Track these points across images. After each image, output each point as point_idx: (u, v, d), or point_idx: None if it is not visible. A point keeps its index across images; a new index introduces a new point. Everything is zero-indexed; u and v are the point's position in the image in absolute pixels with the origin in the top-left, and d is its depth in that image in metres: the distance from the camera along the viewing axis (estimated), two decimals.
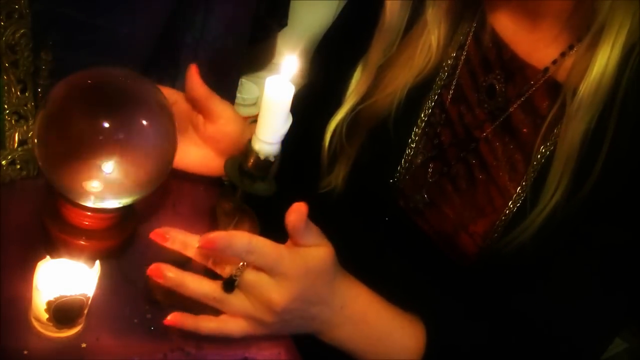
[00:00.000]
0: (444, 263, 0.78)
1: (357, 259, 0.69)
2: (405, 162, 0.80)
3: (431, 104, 0.79)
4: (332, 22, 0.93)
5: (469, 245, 0.75)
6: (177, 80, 0.96)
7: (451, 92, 0.78)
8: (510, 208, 0.73)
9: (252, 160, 0.66)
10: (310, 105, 0.84)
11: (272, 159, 0.66)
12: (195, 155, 0.81)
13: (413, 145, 0.79)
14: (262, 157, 0.66)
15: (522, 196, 0.72)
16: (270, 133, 0.65)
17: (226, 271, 0.62)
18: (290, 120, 0.65)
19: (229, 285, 0.62)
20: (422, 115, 0.79)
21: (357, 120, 0.81)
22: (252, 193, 0.68)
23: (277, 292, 0.62)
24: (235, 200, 0.70)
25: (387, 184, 0.80)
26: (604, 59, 0.66)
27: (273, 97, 0.63)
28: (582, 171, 0.68)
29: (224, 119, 0.78)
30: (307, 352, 0.71)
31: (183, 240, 0.64)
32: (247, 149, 0.67)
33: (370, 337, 0.70)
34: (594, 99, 0.66)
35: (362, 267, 0.70)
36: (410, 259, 0.81)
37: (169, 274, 0.62)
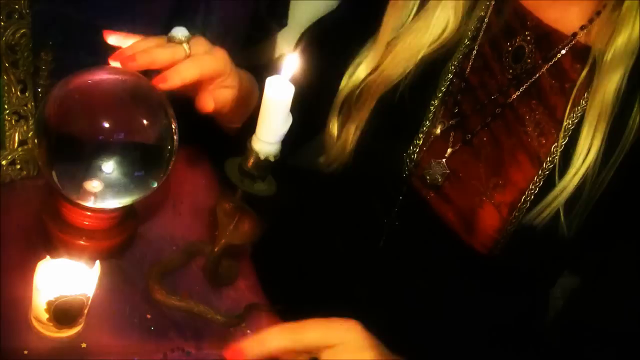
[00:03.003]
0: (460, 252, 0.76)
1: (362, 247, 0.67)
2: (421, 133, 0.78)
3: (449, 75, 0.78)
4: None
5: (492, 219, 0.73)
6: None
7: (471, 61, 0.77)
8: (540, 176, 0.71)
9: (252, 160, 0.66)
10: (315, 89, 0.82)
11: (272, 159, 0.66)
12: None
13: (430, 116, 0.78)
14: (262, 157, 0.66)
15: (553, 163, 0.71)
16: (270, 133, 0.65)
17: None
18: (290, 120, 0.65)
19: None
20: (441, 86, 0.78)
21: (367, 90, 0.79)
22: (252, 193, 0.68)
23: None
24: (235, 200, 0.70)
25: (400, 157, 0.78)
26: (631, 20, 0.66)
27: (273, 97, 0.63)
28: (614, 133, 0.68)
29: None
30: None
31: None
32: (247, 149, 0.67)
33: None
34: (622, 58, 0.67)
35: (367, 257, 0.69)
36: (423, 249, 0.80)
37: None
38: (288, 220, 0.91)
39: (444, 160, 0.76)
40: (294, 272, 0.87)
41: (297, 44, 0.93)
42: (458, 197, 0.75)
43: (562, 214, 0.70)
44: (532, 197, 0.72)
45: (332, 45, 0.85)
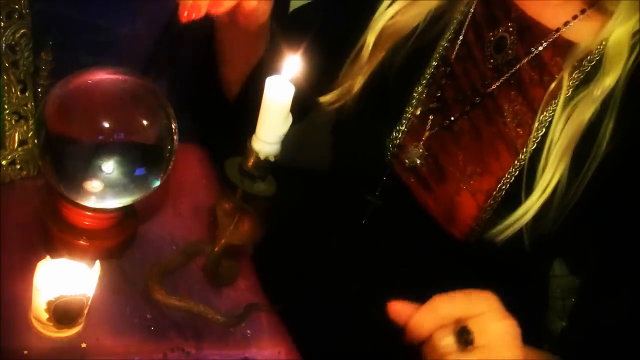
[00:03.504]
0: (440, 238, 0.76)
1: (345, 233, 0.66)
2: (404, 119, 0.78)
3: (434, 62, 0.78)
4: None
5: (469, 207, 0.74)
6: (176, 80, 0.96)
7: (457, 48, 0.77)
8: (516, 165, 0.72)
9: (252, 160, 0.66)
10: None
11: (272, 159, 0.66)
12: None
13: (414, 102, 0.78)
14: (262, 157, 0.66)
15: (530, 153, 0.71)
16: (270, 133, 0.65)
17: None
18: (290, 120, 0.65)
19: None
20: (426, 72, 0.78)
21: (382, 36, 0.78)
22: (252, 193, 0.68)
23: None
24: (235, 200, 0.70)
25: (383, 142, 0.79)
26: (617, 21, 0.68)
27: (273, 97, 0.63)
28: (594, 123, 0.68)
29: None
30: (307, 352, 0.71)
31: None
32: (247, 149, 0.67)
33: None
34: (610, 62, 0.68)
35: (350, 243, 0.69)
36: (406, 235, 0.80)
37: None
38: (287, 220, 0.91)
39: (421, 143, 0.77)
40: (294, 272, 0.87)
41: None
42: (437, 184, 0.76)
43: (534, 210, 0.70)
44: (508, 185, 0.72)
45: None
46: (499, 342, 0.57)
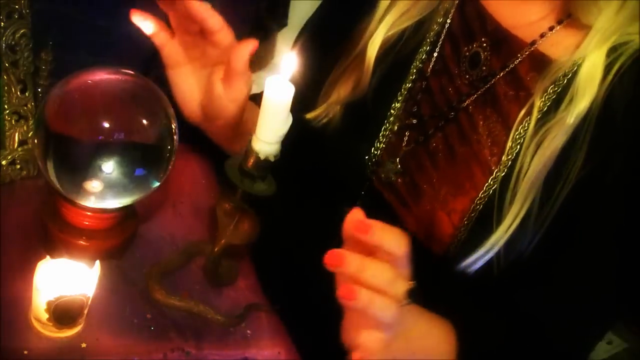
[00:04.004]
0: (421, 253, 0.75)
1: (325, 245, 0.66)
2: (383, 136, 0.78)
3: (411, 76, 0.77)
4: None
5: (446, 226, 0.73)
6: None
7: (433, 61, 0.77)
8: (490, 184, 0.71)
9: (252, 160, 0.66)
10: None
11: (272, 159, 0.66)
12: (189, 85, 0.76)
13: (392, 119, 0.78)
14: (262, 157, 0.66)
15: (504, 172, 0.70)
16: (270, 133, 0.65)
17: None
18: (290, 120, 0.65)
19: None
20: (402, 87, 0.78)
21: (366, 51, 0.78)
22: (252, 193, 0.68)
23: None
24: (235, 200, 0.70)
25: (362, 159, 0.78)
26: (593, 39, 0.66)
27: (273, 97, 0.63)
28: (566, 149, 0.67)
29: (236, 93, 0.73)
30: (307, 352, 0.71)
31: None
32: (247, 149, 0.67)
33: (411, 348, 0.65)
34: (583, 85, 0.66)
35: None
36: None
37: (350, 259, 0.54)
38: (286, 220, 0.91)
39: (397, 159, 0.76)
40: (294, 271, 0.87)
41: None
42: (414, 202, 0.75)
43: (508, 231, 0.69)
44: (482, 207, 0.71)
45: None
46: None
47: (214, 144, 0.86)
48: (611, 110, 0.67)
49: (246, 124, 0.79)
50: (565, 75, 0.69)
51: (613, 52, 0.67)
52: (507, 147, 0.70)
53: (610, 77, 0.66)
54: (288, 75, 0.63)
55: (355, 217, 0.54)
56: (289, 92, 0.63)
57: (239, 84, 0.72)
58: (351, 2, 0.83)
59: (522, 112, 0.70)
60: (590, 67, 0.67)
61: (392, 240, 0.55)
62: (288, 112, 0.65)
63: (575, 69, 0.68)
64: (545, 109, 0.69)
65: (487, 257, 0.70)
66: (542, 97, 0.69)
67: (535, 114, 0.69)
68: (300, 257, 0.89)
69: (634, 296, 0.72)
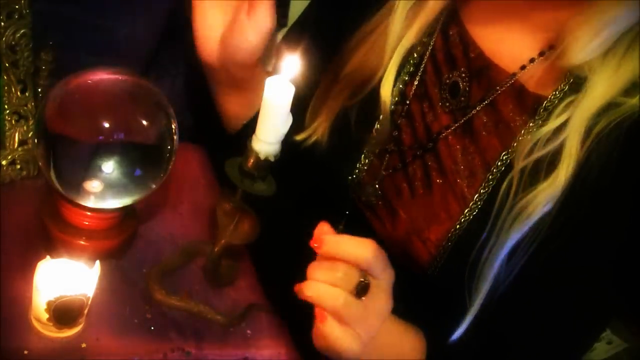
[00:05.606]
0: (402, 271, 0.72)
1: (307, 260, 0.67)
2: (365, 158, 0.77)
3: (394, 98, 0.76)
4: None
5: (422, 253, 0.73)
6: (177, 79, 0.96)
7: (414, 86, 0.76)
8: (465, 216, 0.70)
9: (252, 160, 0.66)
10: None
11: (272, 159, 0.66)
12: (214, 16, 0.76)
13: (373, 142, 0.77)
14: (262, 157, 0.66)
15: (479, 204, 0.70)
16: (271, 133, 0.65)
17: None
18: (290, 120, 0.65)
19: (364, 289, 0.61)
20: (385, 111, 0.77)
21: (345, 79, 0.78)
22: (252, 193, 0.68)
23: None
24: (235, 200, 0.70)
25: (345, 179, 0.78)
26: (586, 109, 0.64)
27: (273, 97, 0.63)
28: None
29: (259, 24, 0.74)
30: (307, 352, 0.71)
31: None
32: (247, 149, 0.67)
33: (383, 355, 0.66)
34: (569, 152, 0.64)
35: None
36: None
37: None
38: (286, 220, 0.91)
39: (376, 182, 0.76)
40: (294, 271, 0.87)
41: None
42: (392, 226, 0.75)
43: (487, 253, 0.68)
44: (457, 238, 0.71)
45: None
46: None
47: (213, 145, 0.86)
48: (587, 172, 0.64)
49: (257, 82, 0.79)
50: (549, 139, 0.66)
51: (596, 116, 0.64)
52: (483, 180, 0.70)
53: (588, 141, 0.64)
54: (288, 76, 0.63)
55: (316, 231, 0.62)
56: (289, 92, 0.63)
57: (263, 14, 0.73)
58: (338, 16, 0.82)
59: (499, 145, 0.69)
60: (576, 133, 0.64)
61: (352, 251, 0.60)
62: (288, 112, 0.65)
63: (561, 139, 0.65)
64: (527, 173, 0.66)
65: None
66: (524, 160, 0.66)
67: (515, 184, 0.67)
68: (300, 257, 0.89)
69: (634, 296, 0.72)
